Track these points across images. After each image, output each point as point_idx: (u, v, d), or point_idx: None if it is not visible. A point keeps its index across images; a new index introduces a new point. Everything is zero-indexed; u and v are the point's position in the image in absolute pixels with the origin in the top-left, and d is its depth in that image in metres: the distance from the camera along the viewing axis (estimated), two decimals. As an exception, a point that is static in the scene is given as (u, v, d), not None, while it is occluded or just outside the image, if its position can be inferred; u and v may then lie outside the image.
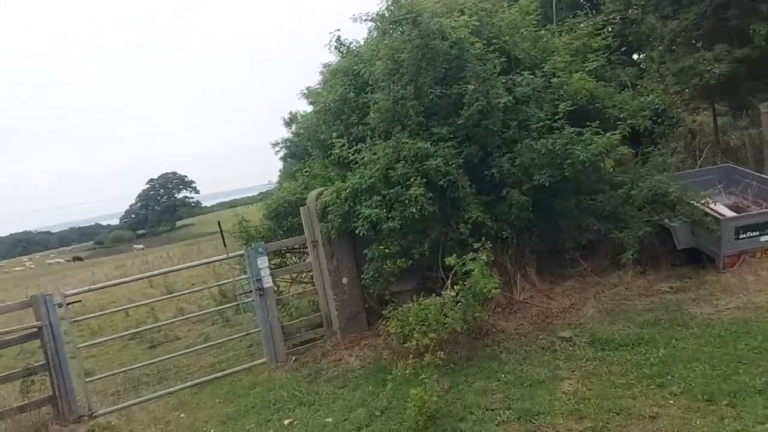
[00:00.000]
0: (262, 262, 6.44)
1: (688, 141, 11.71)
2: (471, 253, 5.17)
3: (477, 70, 5.98)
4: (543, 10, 8.29)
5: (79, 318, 5.47)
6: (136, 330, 9.61)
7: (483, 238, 5.44)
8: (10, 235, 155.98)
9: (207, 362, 7.51)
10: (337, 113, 6.92)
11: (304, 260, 8.47)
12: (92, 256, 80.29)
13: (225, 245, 6.44)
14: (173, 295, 10.21)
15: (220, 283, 9.24)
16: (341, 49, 7.74)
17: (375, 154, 5.84)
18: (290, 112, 36.19)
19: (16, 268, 67.80)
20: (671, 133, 8.05)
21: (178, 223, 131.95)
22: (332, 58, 8.23)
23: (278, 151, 38.21)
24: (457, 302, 4.68)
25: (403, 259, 6.05)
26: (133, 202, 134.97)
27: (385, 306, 6.74)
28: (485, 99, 5.84)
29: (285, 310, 7.62)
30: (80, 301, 5.82)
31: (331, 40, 7.59)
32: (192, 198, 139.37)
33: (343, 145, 6.15)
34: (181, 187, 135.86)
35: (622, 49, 11.37)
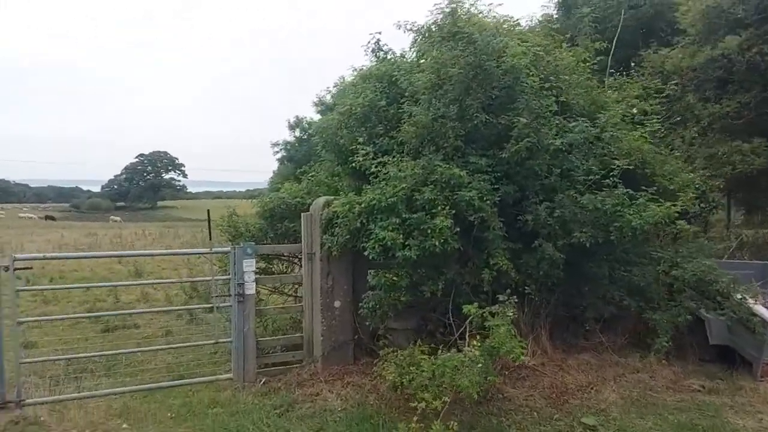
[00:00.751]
0: (249, 264, 5.67)
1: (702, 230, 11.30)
2: (496, 306, 4.48)
3: (531, 104, 5.40)
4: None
5: (25, 288, 4.63)
6: (92, 314, 8.67)
7: (507, 290, 4.78)
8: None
9: (163, 360, 6.66)
10: (362, 119, 6.28)
11: (293, 271, 7.72)
12: (66, 218, 77.80)
13: (210, 238, 5.61)
14: (144, 282, 9.28)
15: (196, 279, 8.40)
16: (378, 54, 7.16)
17: (402, 171, 5.18)
18: (296, 116, 35.96)
19: (-16, 215, 65.38)
20: (707, 217, 7.55)
21: (160, 203, 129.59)
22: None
23: (277, 151, 37.75)
24: (477, 362, 3.96)
25: (408, 295, 5.35)
26: (119, 173, 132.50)
27: (376, 341, 6.02)
28: (536, 137, 5.24)
29: (261, 321, 6.83)
30: (31, 268, 4.99)
31: (369, 42, 7.02)
32: (179, 181, 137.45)
33: (367, 154, 5.47)
34: (170, 168, 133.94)
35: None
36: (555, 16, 13.20)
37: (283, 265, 7.71)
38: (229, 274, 5.82)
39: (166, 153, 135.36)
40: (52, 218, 69.74)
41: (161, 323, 9.01)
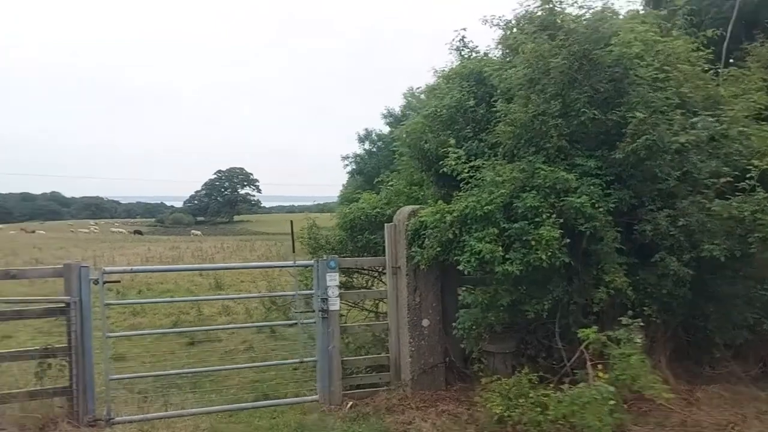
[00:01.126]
0: (332, 278, 5.37)
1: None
2: (621, 330, 3.85)
3: (648, 97, 4.73)
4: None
5: (114, 302, 4.63)
6: (177, 329, 8.78)
7: (629, 312, 4.13)
8: (83, 197, 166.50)
9: (247, 378, 6.53)
10: (448, 122, 5.85)
11: (373, 285, 7.38)
12: (152, 233, 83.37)
13: (294, 250, 5.36)
14: (228, 297, 9.34)
15: (279, 294, 8.27)
16: (462, 52, 6.72)
17: (500, 175, 4.68)
18: (366, 129, 36.12)
19: (82, 230, 71.34)
20: None
21: (236, 218, 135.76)
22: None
23: (347, 165, 38.05)
24: (608, 399, 3.37)
25: (508, 315, 4.82)
26: (199, 188, 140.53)
27: (468, 365, 5.52)
28: (655, 134, 4.56)
29: (341, 339, 6.53)
30: (119, 281, 4.98)
31: (453, 40, 6.60)
32: (253, 196, 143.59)
33: (459, 157, 5.02)
34: (245, 183, 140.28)
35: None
36: (641, 11, 12.19)
37: (363, 278, 7.40)
38: (310, 289, 5.58)
39: (241, 169, 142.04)
40: (140, 233, 74.86)
41: (242, 336, 9.00)
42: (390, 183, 7.32)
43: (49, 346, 4.35)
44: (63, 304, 4.31)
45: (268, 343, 8.80)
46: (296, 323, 5.49)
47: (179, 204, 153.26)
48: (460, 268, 4.62)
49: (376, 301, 7.37)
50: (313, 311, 5.41)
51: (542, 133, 4.93)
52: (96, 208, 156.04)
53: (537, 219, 4.52)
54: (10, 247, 32.64)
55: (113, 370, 5.20)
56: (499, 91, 5.46)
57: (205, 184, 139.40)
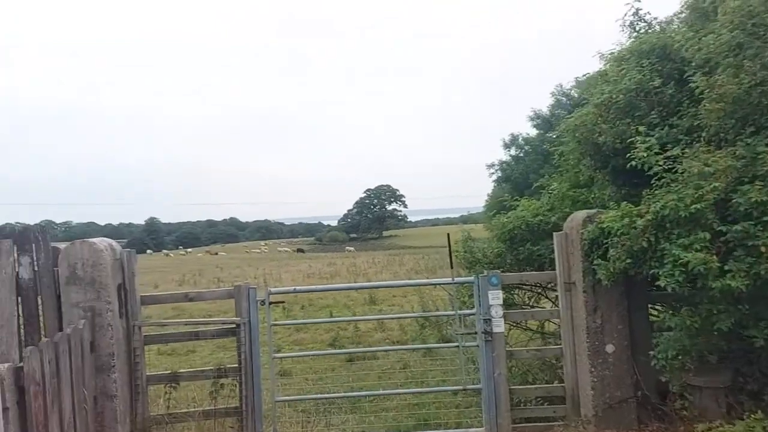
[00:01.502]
0: (495, 297, 4.80)
1: None
2: None
3: None
4: None
5: (279, 323, 4.70)
6: (337, 351, 8.90)
7: None
8: (255, 221, 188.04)
9: (405, 401, 6.23)
10: (626, 109, 4.90)
11: (537, 303, 6.61)
12: (312, 250, 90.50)
13: (452, 266, 4.88)
14: (386, 317, 9.28)
15: (440, 314, 7.91)
16: (638, 26, 5.68)
17: (708, 165, 3.70)
18: (511, 134, 34.63)
19: (255, 250, 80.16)
20: None
21: (385, 233, 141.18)
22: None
23: (492, 173, 36.88)
24: None
25: (726, 341, 3.77)
26: (351, 207, 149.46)
27: (667, 401, 4.50)
28: None
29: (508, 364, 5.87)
30: (284, 302, 5.06)
31: (625, 15, 5.61)
32: (400, 211, 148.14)
33: (650, 147, 4.10)
34: (392, 199, 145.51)
35: None
36: None
37: (527, 296, 6.67)
38: (469, 307, 5.07)
39: (388, 186, 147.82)
40: (302, 251, 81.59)
41: (398, 355, 8.82)
42: (552, 186, 6.51)
43: (222, 366, 4.50)
44: (234, 325, 4.43)
45: (424, 362, 8.47)
46: (457, 346, 4.99)
47: (334, 223, 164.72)
48: (661, 283, 3.71)
49: (542, 322, 6.58)
50: (474, 333, 4.88)
51: (763, 108, 3.81)
52: (265, 230, 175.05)
53: (765, 218, 3.45)
54: (197, 268, 37.72)
55: (279, 389, 5.26)
56: (693, 65, 4.41)
57: (356, 202, 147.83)
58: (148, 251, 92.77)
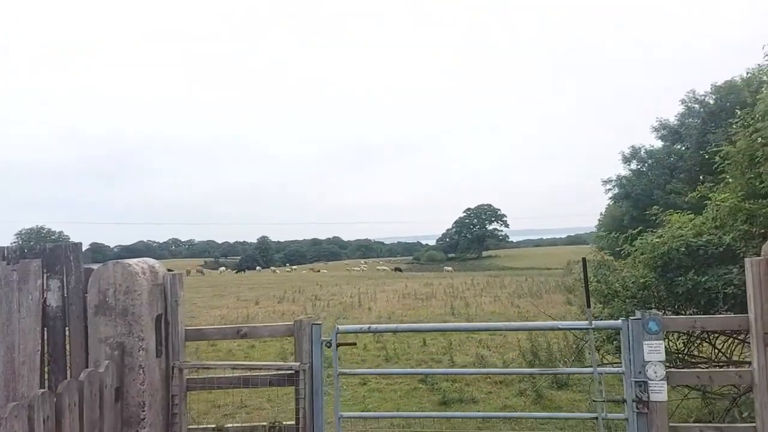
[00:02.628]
0: (653, 349, 3.36)
1: None
2: None
3: None
4: None
5: (346, 371, 3.63)
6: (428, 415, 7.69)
7: None
8: (356, 239, 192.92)
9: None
10: None
11: (718, 356, 4.93)
12: (409, 269, 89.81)
13: (589, 304, 3.48)
14: (501, 371, 7.98)
15: (574, 371, 6.45)
16: None
17: None
18: (632, 147, 31.23)
19: (355, 268, 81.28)
20: None
21: (485, 253, 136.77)
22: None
23: (609, 189, 33.55)
24: None
25: None
26: (450, 227, 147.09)
27: None
28: None
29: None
30: (354, 344, 4.04)
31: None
32: (501, 231, 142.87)
33: None
34: (492, 219, 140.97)
35: None
36: None
37: (678, 339, 5.03)
38: (614, 359, 3.66)
39: (489, 205, 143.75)
40: (400, 270, 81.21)
41: (501, 397, 7.40)
42: (721, 198, 4.85)
43: (276, 424, 3.53)
44: (291, 371, 3.47)
45: (532, 409, 6.98)
46: (595, 417, 3.58)
47: (432, 242, 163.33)
48: None
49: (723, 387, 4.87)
50: (621, 401, 3.46)
51: None
52: (366, 249, 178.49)
53: None
54: (298, 285, 38.40)
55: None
56: None
57: (455, 222, 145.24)
58: (258, 267, 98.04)
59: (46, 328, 3.27)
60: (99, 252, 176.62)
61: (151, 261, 3.41)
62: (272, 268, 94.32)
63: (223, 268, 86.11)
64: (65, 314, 3.30)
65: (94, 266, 3.35)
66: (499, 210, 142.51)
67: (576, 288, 28.88)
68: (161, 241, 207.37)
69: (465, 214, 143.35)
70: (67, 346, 3.31)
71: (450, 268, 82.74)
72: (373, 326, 3.76)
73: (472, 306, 19.61)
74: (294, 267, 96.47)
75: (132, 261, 3.31)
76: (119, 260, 3.31)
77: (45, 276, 3.28)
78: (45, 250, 3.32)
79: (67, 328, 3.30)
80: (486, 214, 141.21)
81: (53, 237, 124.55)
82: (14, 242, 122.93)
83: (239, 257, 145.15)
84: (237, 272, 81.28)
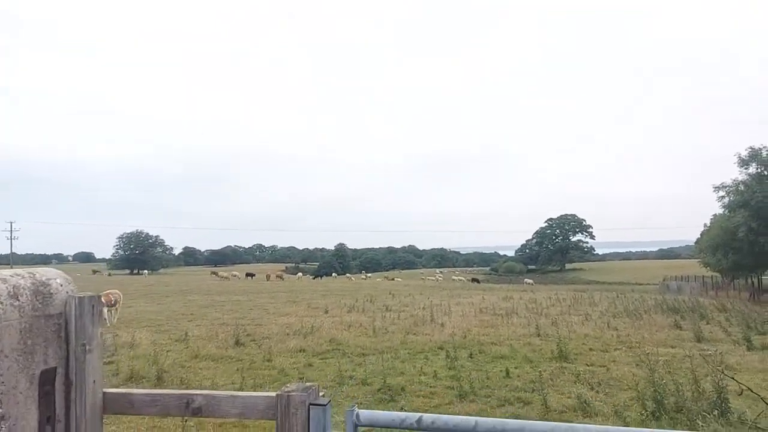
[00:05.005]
0: None
1: None
2: None
3: None
4: None
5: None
6: None
7: None
8: (432, 248, 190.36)
9: None
10: None
11: None
12: (486, 281, 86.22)
13: None
14: None
15: None
16: None
17: None
18: (750, 148, 26.77)
19: (429, 278, 79.24)
20: None
21: (568, 266, 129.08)
22: None
23: (722, 197, 29.06)
24: None
25: None
26: (530, 237, 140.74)
27: None
28: None
29: None
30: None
31: None
32: (586, 243, 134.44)
33: None
34: (577, 230, 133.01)
35: None
36: None
37: None
38: None
39: (573, 216, 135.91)
40: (477, 281, 78.04)
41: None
42: None
43: None
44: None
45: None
46: None
47: (511, 253, 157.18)
48: None
49: None
50: None
51: None
52: (441, 258, 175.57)
53: None
54: (371, 293, 37.27)
55: None
56: None
57: (536, 232, 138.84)
58: (333, 274, 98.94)
59: None
60: (191, 255, 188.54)
61: (44, 273, 2.00)
62: (348, 275, 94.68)
63: (300, 274, 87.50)
64: None
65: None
66: (584, 221, 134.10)
67: (682, 308, 25.16)
68: (247, 246, 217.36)
69: (547, 224, 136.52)
70: None
71: (531, 281, 78.24)
72: (410, 417, 1.95)
73: (560, 326, 17.21)
74: (369, 274, 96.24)
75: (9, 272, 1.92)
76: (-8, 272, 1.93)
77: None
78: None
79: None
80: (570, 224, 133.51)
81: (150, 241, 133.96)
82: (116, 245, 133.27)
83: (317, 263, 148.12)
84: (314, 278, 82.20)
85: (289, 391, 1.84)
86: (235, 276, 70.59)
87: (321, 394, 1.93)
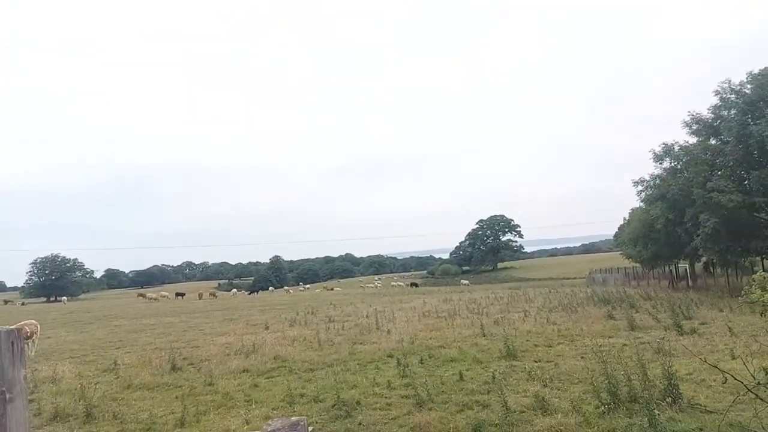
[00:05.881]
0: None
1: None
2: None
3: None
4: None
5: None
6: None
7: None
8: (369, 256, 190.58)
9: None
10: None
11: None
12: (425, 284, 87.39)
13: None
14: None
15: None
16: None
17: None
18: (663, 144, 28.96)
19: (369, 285, 79.08)
20: None
21: (500, 265, 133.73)
22: None
23: (641, 191, 31.16)
24: None
25: None
26: (463, 239, 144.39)
27: None
28: None
29: None
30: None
31: None
32: (515, 242, 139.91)
33: None
34: (506, 230, 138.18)
35: None
36: None
37: None
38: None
39: (502, 216, 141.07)
40: (416, 284, 78.78)
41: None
42: None
43: None
44: None
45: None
46: None
47: (446, 255, 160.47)
48: None
49: None
50: None
51: None
52: (379, 265, 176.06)
53: None
54: (311, 305, 36.49)
55: None
56: None
57: (468, 234, 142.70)
58: (270, 288, 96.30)
59: None
60: (114, 278, 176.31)
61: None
62: (286, 287, 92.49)
63: (234, 290, 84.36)
64: None
65: None
66: (512, 220, 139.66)
67: (612, 299, 26.61)
68: (175, 265, 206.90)
69: (478, 225, 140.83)
70: None
71: (467, 282, 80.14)
72: None
73: (502, 324, 17.49)
74: (307, 286, 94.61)
75: None
76: None
77: None
78: None
79: None
80: (499, 224, 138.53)
81: (68, 265, 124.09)
82: (29, 271, 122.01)
83: (252, 278, 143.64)
84: (250, 293, 79.54)
85: (272, 430, 1.53)
86: (164, 297, 66.88)
87: (310, 429, 1.63)
